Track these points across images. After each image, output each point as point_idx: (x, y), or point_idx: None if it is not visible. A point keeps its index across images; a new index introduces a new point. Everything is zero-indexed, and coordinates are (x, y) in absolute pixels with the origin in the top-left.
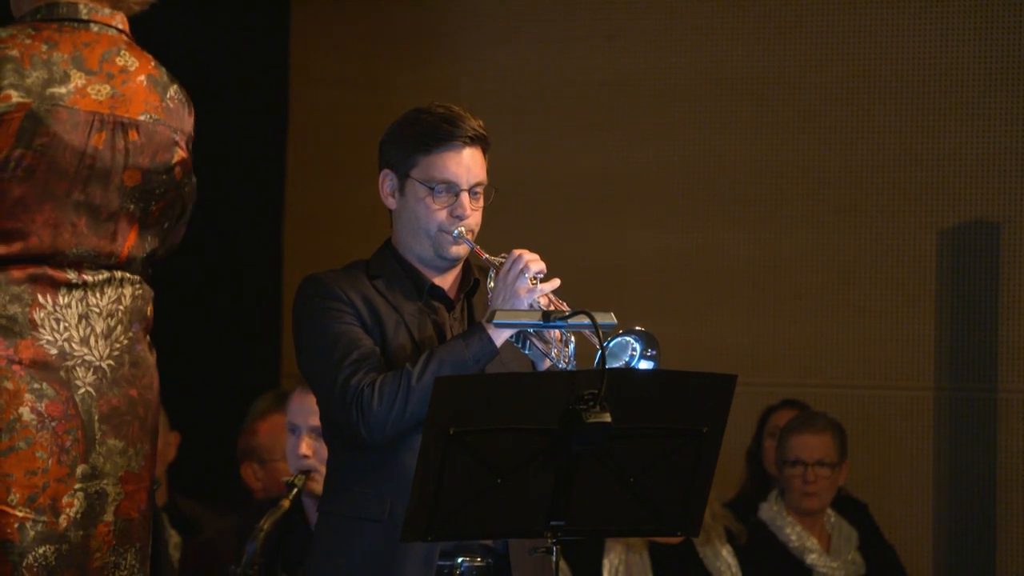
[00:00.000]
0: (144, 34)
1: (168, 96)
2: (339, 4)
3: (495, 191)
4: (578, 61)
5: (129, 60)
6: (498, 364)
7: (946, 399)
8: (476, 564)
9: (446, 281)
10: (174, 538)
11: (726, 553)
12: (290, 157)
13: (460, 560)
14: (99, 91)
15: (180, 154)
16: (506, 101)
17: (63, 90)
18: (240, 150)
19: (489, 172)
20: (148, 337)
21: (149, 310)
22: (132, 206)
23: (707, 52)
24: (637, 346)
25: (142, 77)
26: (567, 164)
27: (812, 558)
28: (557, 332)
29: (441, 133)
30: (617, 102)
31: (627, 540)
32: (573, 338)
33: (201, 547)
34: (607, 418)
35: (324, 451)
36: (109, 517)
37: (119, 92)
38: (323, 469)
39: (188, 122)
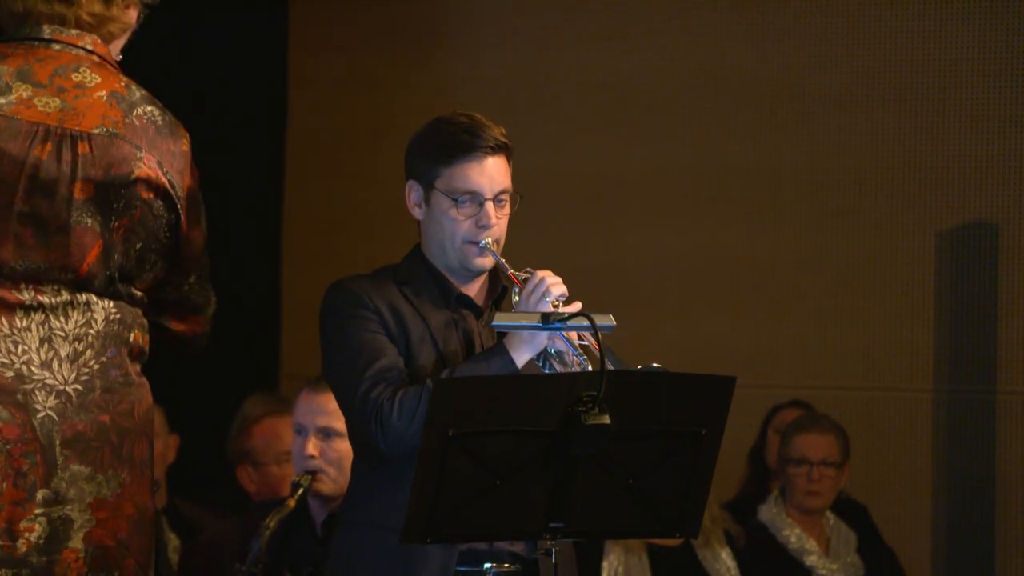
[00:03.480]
0: (143, 35)
1: (135, 114)
2: (338, 4)
3: (520, 197)
4: (578, 62)
5: (89, 76)
6: None
7: (945, 401)
8: (504, 569)
9: (473, 288)
10: (173, 541)
11: (725, 555)
12: (289, 157)
13: (488, 566)
14: (47, 103)
15: (143, 170)
16: (505, 102)
17: (2, 100)
18: (239, 151)
19: (513, 178)
20: (136, 363)
21: (135, 336)
22: (90, 220)
23: (707, 54)
24: None
25: (102, 93)
26: (566, 165)
27: (811, 560)
28: (575, 358)
29: (462, 144)
30: (617, 103)
31: (626, 542)
32: (589, 363)
33: (201, 549)
34: (606, 420)
35: (330, 452)
36: (77, 544)
37: (70, 106)
38: (329, 470)
39: (165, 145)
